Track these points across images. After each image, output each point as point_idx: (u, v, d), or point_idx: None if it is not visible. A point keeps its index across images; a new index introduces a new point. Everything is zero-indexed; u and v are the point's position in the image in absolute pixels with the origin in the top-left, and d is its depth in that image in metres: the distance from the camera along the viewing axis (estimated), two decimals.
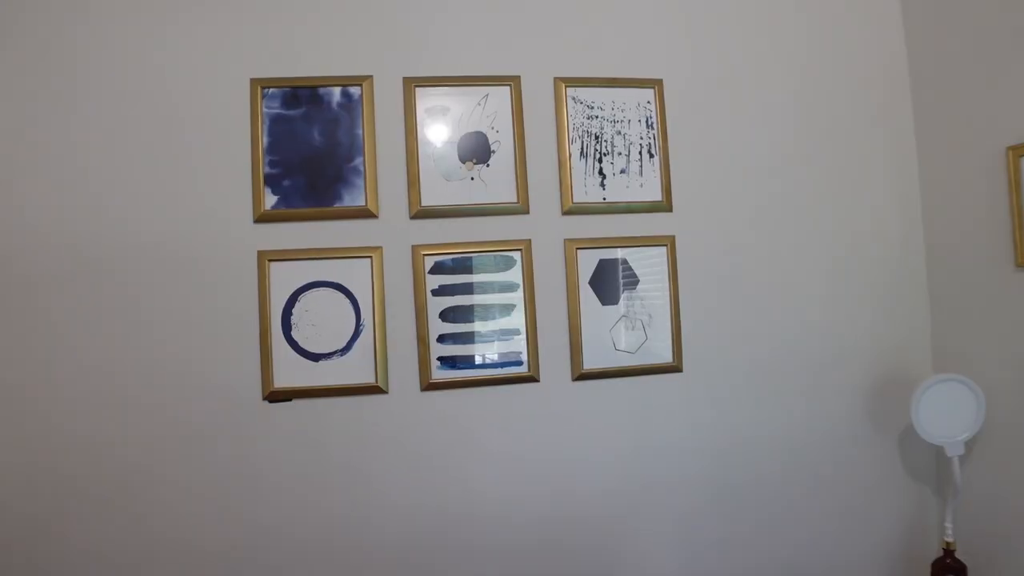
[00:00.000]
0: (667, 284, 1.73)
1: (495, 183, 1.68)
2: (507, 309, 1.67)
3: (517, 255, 1.68)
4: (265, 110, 1.63)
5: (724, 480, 1.75)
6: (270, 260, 1.61)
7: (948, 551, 1.65)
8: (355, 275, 1.63)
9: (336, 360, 1.62)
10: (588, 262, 1.70)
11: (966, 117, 1.70)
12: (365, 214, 1.64)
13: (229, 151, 1.62)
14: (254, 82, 1.64)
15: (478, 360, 1.66)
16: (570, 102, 1.72)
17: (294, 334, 1.61)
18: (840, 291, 1.83)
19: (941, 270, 1.81)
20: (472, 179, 1.68)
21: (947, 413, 1.63)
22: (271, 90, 1.64)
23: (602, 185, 1.72)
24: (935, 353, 1.84)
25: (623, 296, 1.71)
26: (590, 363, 1.69)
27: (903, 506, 1.83)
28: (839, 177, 1.84)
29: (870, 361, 1.83)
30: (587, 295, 1.70)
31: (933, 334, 1.84)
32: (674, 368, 1.73)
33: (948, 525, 1.66)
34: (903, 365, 1.84)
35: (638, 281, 1.72)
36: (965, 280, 1.73)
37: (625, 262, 1.72)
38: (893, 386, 1.82)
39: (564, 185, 1.70)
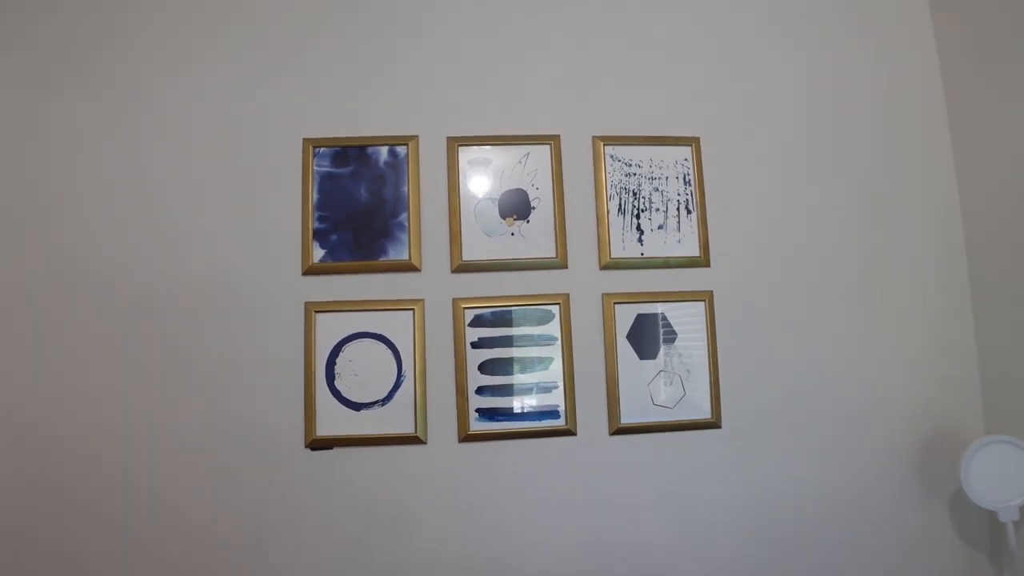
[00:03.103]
0: (705, 339, 1.73)
1: (535, 238, 1.72)
2: (545, 362, 1.69)
3: (555, 309, 1.70)
4: (316, 168, 1.72)
5: (760, 538, 1.71)
6: (316, 311, 1.67)
7: None
8: (397, 327, 1.67)
9: (377, 410, 1.65)
10: (626, 316, 1.72)
11: (1009, 161, 1.69)
12: (408, 268, 1.69)
13: (281, 206, 1.71)
14: (306, 141, 1.72)
15: (516, 412, 1.68)
16: (608, 159, 1.77)
17: (337, 383, 1.65)
18: (883, 346, 1.80)
19: (992, 324, 1.77)
20: (512, 234, 1.72)
21: (1000, 476, 1.58)
22: (322, 149, 1.72)
23: (640, 241, 1.75)
24: (987, 412, 1.79)
25: (661, 351, 1.72)
26: (628, 417, 1.69)
27: (954, 571, 1.76)
28: (879, 232, 1.84)
29: (917, 418, 1.79)
30: (625, 349, 1.71)
31: (984, 392, 1.80)
32: (712, 424, 1.71)
33: None
34: (952, 424, 1.79)
35: (676, 336, 1.73)
36: (1018, 334, 1.69)
37: (663, 317, 1.73)
38: (942, 445, 1.77)
39: (602, 240, 1.74)
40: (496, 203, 1.73)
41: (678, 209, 1.77)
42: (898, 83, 1.90)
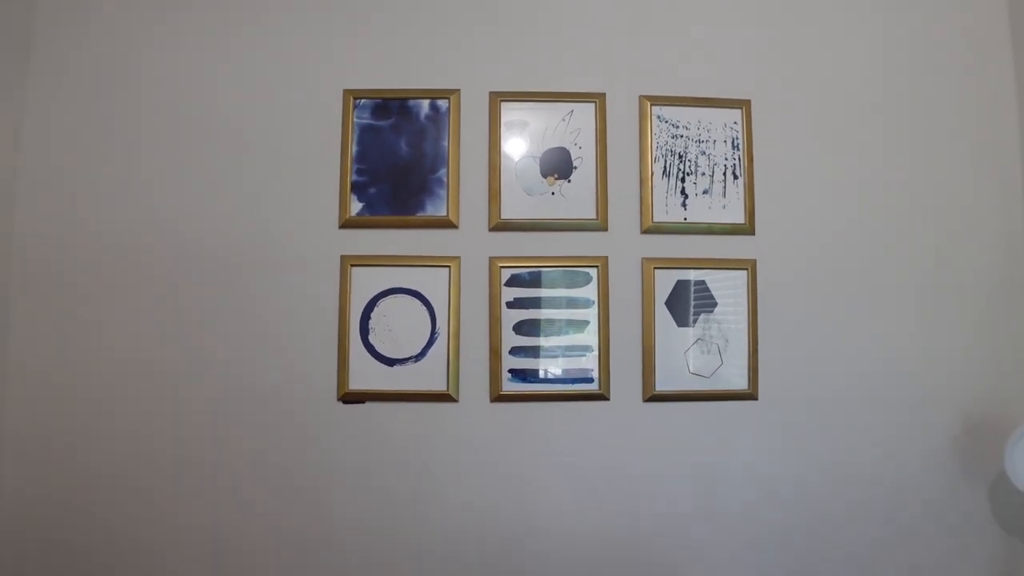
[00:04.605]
0: (746, 309, 1.68)
1: (575, 199, 1.68)
2: (580, 325, 1.67)
3: (594, 272, 1.67)
4: (356, 120, 1.69)
5: (795, 514, 1.68)
6: (352, 265, 1.66)
7: None
8: (433, 283, 1.66)
9: (410, 366, 1.65)
10: (665, 282, 1.68)
11: None
12: (446, 224, 1.67)
13: (320, 158, 1.69)
14: (347, 93, 1.70)
15: (549, 375, 1.66)
16: (655, 120, 1.71)
17: (371, 338, 1.65)
18: (932, 323, 1.74)
19: None
20: (553, 194, 1.68)
21: None
22: (362, 101, 1.70)
23: (683, 205, 1.70)
24: None
25: (700, 319, 1.68)
26: (662, 385, 1.66)
27: (994, 559, 1.71)
28: (934, 208, 1.76)
29: (962, 399, 1.73)
30: (662, 315, 1.68)
31: None
32: (749, 395, 1.68)
33: None
34: (999, 405, 1.73)
35: (716, 304, 1.68)
36: None
37: (703, 284, 1.69)
38: (987, 427, 1.71)
39: (645, 204, 1.69)
40: (538, 161, 1.69)
41: (724, 174, 1.71)
42: (965, 47, 1.80)
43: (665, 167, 1.70)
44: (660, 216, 1.69)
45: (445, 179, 1.68)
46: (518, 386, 1.65)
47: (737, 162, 1.72)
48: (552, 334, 1.66)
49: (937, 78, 1.79)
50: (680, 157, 1.71)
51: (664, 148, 1.71)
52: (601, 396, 1.66)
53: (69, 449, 1.61)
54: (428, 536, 1.63)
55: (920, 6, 1.80)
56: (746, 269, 1.69)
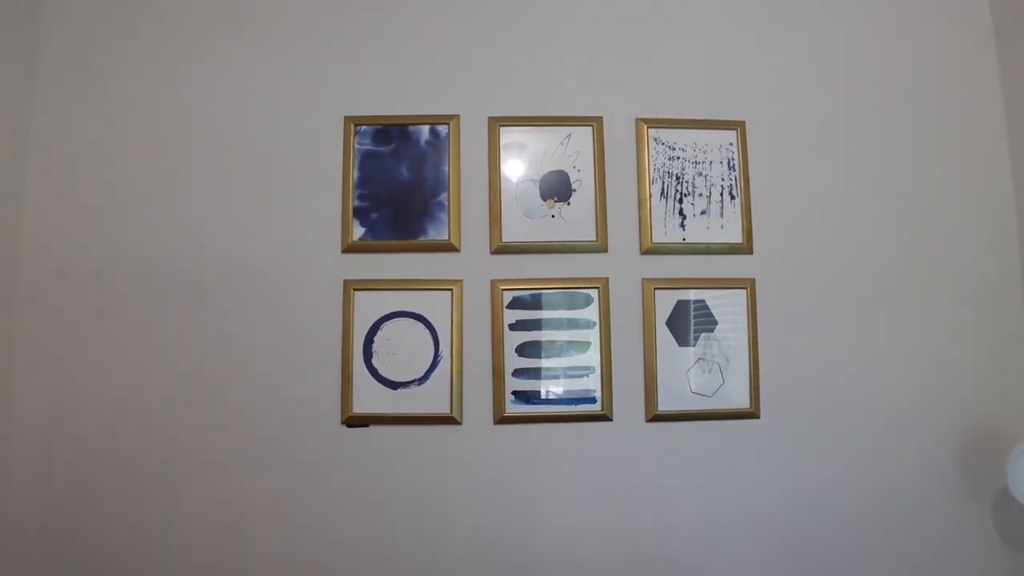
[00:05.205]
0: (746, 327, 1.70)
1: (575, 221, 1.70)
2: (582, 347, 1.68)
3: (594, 293, 1.69)
4: (357, 146, 1.71)
5: (797, 531, 1.69)
6: (355, 289, 1.67)
7: None
8: (435, 307, 1.67)
9: (413, 389, 1.66)
10: (666, 302, 1.70)
11: None
12: (448, 248, 1.69)
13: (322, 183, 1.71)
14: (348, 119, 1.72)
15: (552, 396, 1.67)
16: (652, 143, 1.74)
17: (374, 361, 1.66)
18: (929, 339, 1.75)
19: None
20: (552, 216, 1.70)
21: None
22: (363, 127, 1.72)
23: (682, 226, 1.72)
24: None
25: (700, 338, 1.69)
26: (665, 405, 1.67)
27: (994, 570, 1.71)
28: (928, 224, 1.78)
29: (962, 414, 1.74)
30: (664, 336, 1.69)
31: None
32: (751, 414, 1.69)
33: None
34: (999, 421, 1.74)
35: (716, 323, 1.70)
36: None
37: (703, 304, 1.70)
38: (987, 445, 1.72)
39: (644, 225, 1.71)
40: (537, 184, 1.71)
41: (721, 194, 1.74)
42: (952, 68, 1.84)
43: (663, 188, 1.73)
44: (659, 237, 1.71)
45: (446, 203, 1.70)
46: (521, 408, 1.66)
47: (734, 182, 1.74)
48: (554, 355, 1.67)
49: (925, 94, 1.82)
50: (677, 178, 1.73)
51: (661, 170, 1.73)
52: (604, 417, 1.67)
53: (70, 471, 1.61)
54: (432, 559, 1.63)
55: (906, 24, 1.84)
56: (745, 288, 1.71)
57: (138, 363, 1.64)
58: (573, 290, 1.69)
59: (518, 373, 1.67)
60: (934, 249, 1.78)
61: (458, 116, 1.73)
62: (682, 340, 1.69)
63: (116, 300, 1.66)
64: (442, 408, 1.65)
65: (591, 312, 1.68)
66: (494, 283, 1.68)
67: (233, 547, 1.61)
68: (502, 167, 1.71)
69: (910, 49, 1.84)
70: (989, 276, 1.78)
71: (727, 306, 1.70)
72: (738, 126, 1.76)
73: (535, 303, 1.68)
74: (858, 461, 1.71)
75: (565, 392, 1.67)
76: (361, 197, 1.70)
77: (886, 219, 1.78)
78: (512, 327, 1.67)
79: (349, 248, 1.68)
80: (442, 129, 1.72)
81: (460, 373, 1.66)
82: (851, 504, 1.70)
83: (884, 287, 1.76)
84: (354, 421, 1.65)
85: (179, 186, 1.70)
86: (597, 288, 1.69)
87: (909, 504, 1.71)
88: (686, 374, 1.69)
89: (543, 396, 1.67)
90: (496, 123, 1.72)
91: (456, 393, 1.65)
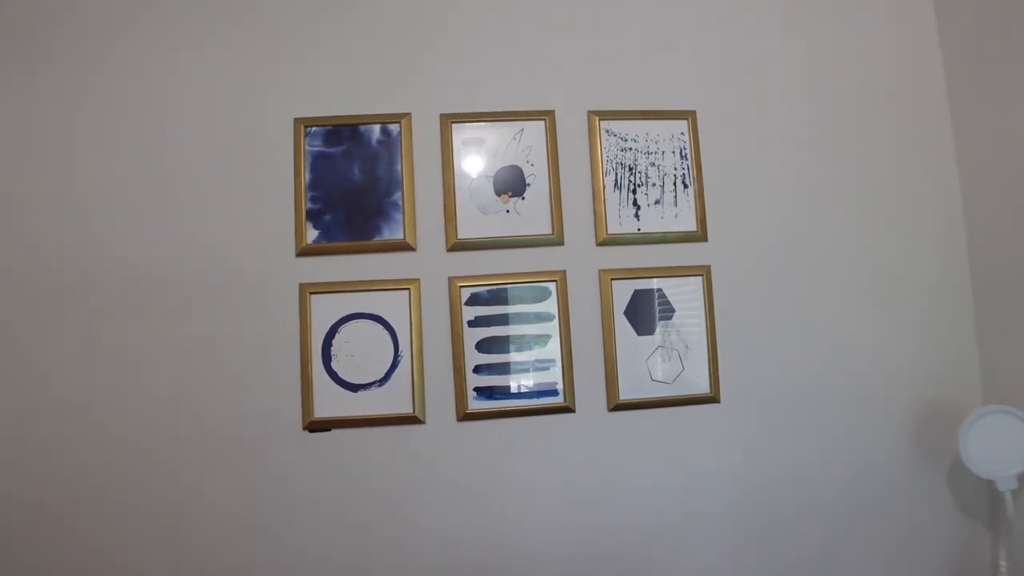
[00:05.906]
0: (703, 314, 1.72)
1: (530, 215, 1.71)
2: (542, 340, 1.68)
3: (552, 286, 1.69)
4: (308, 148, 1.69)
5: (763, 513, 1.72)
6: (311, 292, 1.65)
7: None
8: (393, 307, 1.66)
9: (374, 390, 1.65)
10: (623, 293, 1.71)
11: (1008, 131, 1.67)
12: (403, 247, 1.68)
13: (273, 187, 1.68)
14: (297, 121, 1.70)
15: (514, 390, 1.67)
16: (604, 135, 1.74)
17: (334, 365, 1.64)
18: (881, 318, 1.80)
19: (989, 294, 1.77)
20: (508, 212, 1.70)
21: (998, 446, 1.58)
22: (313, 128, 1.70)
23: (636, 216, 1.73)
24: (985, 382, 1.79)
25: (659, 326, 1.71)
26: (626, 394, 1.69)
27: (953, 542, 1.77)
28: (877, 203, 1.83)
29: (915, 390, 1.79)
30: (622, 325, 1.70)
31: (982, 362, 1.79)
32: (711, 399, 1.71)
33: (1002, 563, 1.60)
34: (950, 395, 1.79)
35: (674, 311, 1.72)
36: (1015, 303, 1.68)
37: (660, 292, 1.72)
38: (941, 416, 1.77)
39: (598, 216, 1.72)
40: (491, 180, 1.71)
41: (675, 184, 1.75)
42: (899, 54, 1.88)
43: (616, 180, 1.74)
44: (614, 228, 1.72)
45: (400, 202, 1.69)
46: (484, 404, 1.66)
47: (686, 171, 1.76)
48: (515, 350, 1.67)
49: (873, 84, 1.86)
50: (630, 169, 1.74)
51: (614, 161, 1.74)
52: (567, 408, 1.68)
53: (26, 479, 1.57)
54: (400, 560, 1.62)
55: (854, 17, 1.87)
56: (701, 275, 1.73)
57: (93, 373, 1.60)
58: (531, 284, 1.69)
59: (479, 369, 1.67)
60: (880, 234, 1.82)
61: (410, 114, 1.72)
62: (641, 329, 1.71)
63: (67, 309, 1.61)
64: (404, 408, 1.65)
65: (550, 305, 1.69)
66: (451, 280, 1.68)
67: (196, 556, 1.58)
68: (455, 164, 1.71)
69: (859, 33, 1.87)
70: (935, 258, 1.82)
71: (684, 294, 1.72)
72: (689, 116, 1.78)
73: (493, 299, 1.68)
74: (819, 440, 1.75)
75: (527, 386, 1.67)
76: (314, 199, 1.68)
77: (836, 205, 1.81)
78: (471, 323, 1.67)
79: (303, 251, 1.67)
80: (394, 128, 1.71)
81: (421, 372, 1.65)
82: (814, 482, 1.73)
83: (834, 272, 1.79)
84: (317, 426, 1.63)
85: (127, 193, 1.66)
86: (555, 281, 1.69)
87: (872, 480, 1.75)
88: (646, 362, 1.70)
89: (505, 391, 1.67)
90: (448, 120, 1.72)
91: (418, 392, 1.65)
